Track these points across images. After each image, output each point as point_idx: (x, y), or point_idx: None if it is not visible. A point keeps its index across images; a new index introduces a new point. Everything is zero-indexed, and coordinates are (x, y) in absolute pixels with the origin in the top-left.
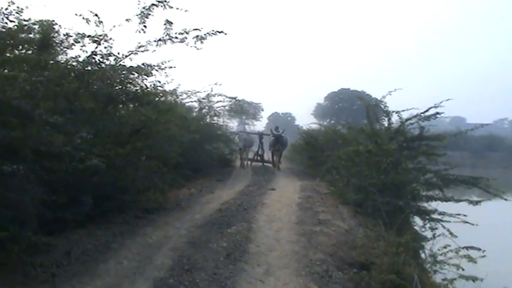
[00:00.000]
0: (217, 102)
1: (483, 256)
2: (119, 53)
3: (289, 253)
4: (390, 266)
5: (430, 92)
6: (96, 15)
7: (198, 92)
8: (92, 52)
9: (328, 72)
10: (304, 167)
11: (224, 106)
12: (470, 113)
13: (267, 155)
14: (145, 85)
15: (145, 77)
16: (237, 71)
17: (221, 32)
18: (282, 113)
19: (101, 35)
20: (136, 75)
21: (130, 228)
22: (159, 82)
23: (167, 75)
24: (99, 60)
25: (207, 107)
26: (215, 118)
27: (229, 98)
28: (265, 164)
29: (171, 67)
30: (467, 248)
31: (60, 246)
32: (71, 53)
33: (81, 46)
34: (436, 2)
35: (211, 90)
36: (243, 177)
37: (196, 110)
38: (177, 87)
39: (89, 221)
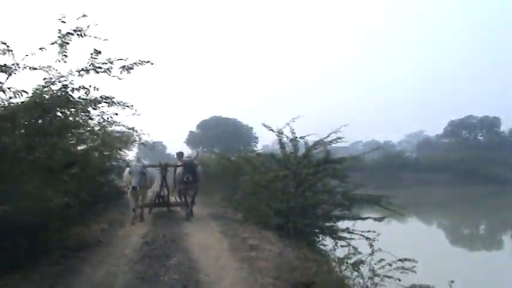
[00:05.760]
0: None
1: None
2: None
3: (238, 280)
4: (335, 283)
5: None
6: (4, 43)
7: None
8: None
9: (200, 100)
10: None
11: None
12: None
13: (175, 196)
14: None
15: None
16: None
17: (148, 61)
18: (153, 141)
19: (9, 65)
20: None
21: (65, 268)
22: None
23: None
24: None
25: None
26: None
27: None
28: (171, 208)
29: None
30: (401, 260)
31: None
32: None
33: None
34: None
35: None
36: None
37: None
38: None
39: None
